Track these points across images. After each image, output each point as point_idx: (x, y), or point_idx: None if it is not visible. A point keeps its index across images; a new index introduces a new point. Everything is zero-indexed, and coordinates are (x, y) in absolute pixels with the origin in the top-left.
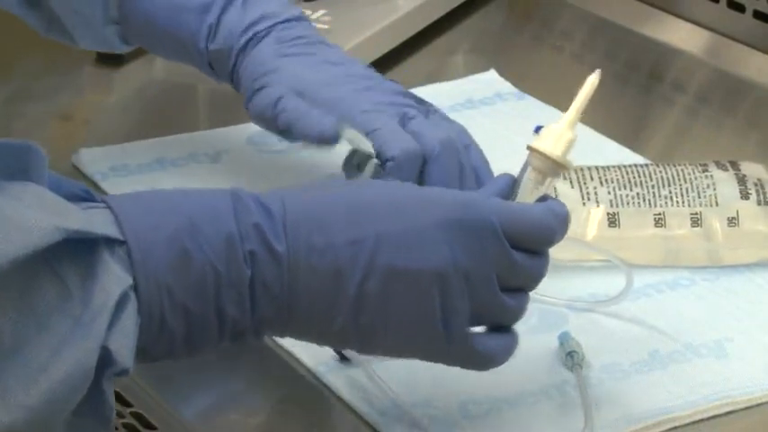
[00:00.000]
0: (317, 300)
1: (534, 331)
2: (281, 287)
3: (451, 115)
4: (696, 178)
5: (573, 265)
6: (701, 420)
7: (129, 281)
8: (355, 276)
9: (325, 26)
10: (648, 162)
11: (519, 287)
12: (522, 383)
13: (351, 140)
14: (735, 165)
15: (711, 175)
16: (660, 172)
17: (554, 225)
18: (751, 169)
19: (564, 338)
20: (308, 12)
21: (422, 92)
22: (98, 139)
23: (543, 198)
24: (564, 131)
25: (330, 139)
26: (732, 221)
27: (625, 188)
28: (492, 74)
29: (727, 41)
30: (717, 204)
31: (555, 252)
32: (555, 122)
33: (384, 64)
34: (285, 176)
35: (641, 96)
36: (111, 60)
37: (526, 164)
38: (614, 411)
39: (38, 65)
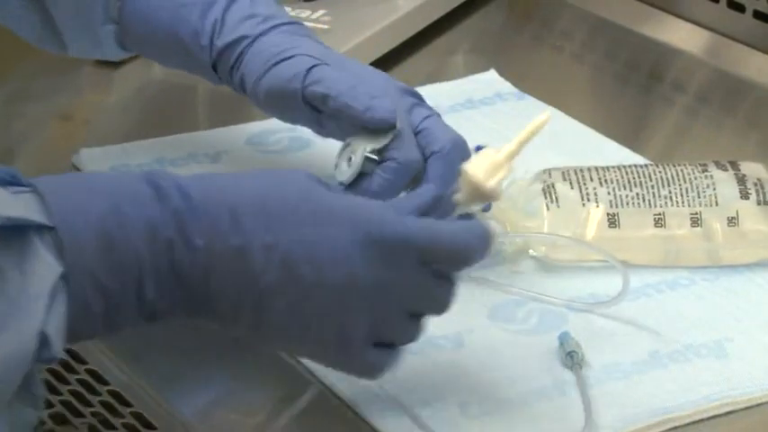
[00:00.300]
0: (227, 294)
1: (534, 331)
2: (196, 277)
3: (451, 115)
4: (696, 178)
5: (573, 266)
6: (702, 420)
7: (60, 268)
8: (264, 279)
9: (325, 26)
10: (648, 162)
11: (424, 311)
12: (523, 383)
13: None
14: (734, 165)
15: (711, 175)
16: (660, 172)
17: (473, 245)
18: (751, 169)
19: (564, 338)
20: (307, 12)
21: (422, 92)
22: (98, 139)
23: (468, 216)
24: (500, 162)
25: (389, 124)
26: (732, 221)
27: (625, 188)
28: (492, 74)
29: (727, 41)
30: (716, 204)
31: (555, 252)
32: (495, 150)
33: (384, 64)
34: None
35: (641, 96)
36: (110, 60)
37: (455, 183)
38: (614, 411)
39: (38, 65)
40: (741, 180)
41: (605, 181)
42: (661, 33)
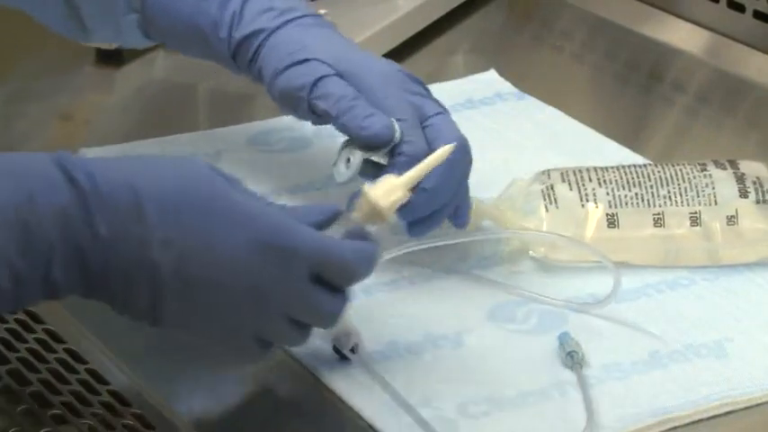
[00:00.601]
0: (125, 281)
1: (534, 332)
2: (98, 263)
3: (452, 115)
4: (695, 177)
5: (572, 266)
6: (701, 420)
7: None
8: (160, 272)
9: None
10: (648, 162)
11: (308, 321)
12: (522, 384)
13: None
14: (733, 163)
15: (710, 175)
16: (659, 172)
17: (359, 265)
18: (750, 168)
19: (564, 338)
20: None
21: None
22: (98, 139)
23: (361, 235)
24: (398, 187)
25: (382, 141)
26: (731, 220)
27: (624, 188)
28: (492, 74)
29: (727, 41)
30: (716, 203)
31: (554, 253)
32: (397, 176)
33: None
34: (287, 176)
35: (641, 96)
36: (111, 60)
37: (352, 202)
38: (614, 411)
39: (38, 65)
40: (740, 179)
41: (604, 181)
42: (661, 33)
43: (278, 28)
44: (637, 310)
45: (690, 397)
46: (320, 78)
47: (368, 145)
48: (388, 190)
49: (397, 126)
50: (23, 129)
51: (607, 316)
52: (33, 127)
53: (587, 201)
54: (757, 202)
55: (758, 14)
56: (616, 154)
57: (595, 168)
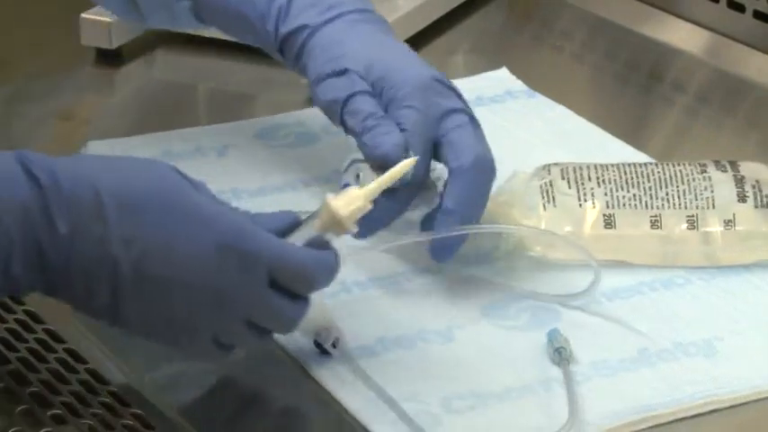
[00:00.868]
0: (85, 280)
1: (525, 328)
2: (59, 261)
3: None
4: (694, 179)
5: (569, 264)
6: (685, 418)
7: None
8: (121, 271)
9: None
10: (649, 161)
11: (266, 325)
12: (508, 379)
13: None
14: (734, 165)
15: (710, 177)
16: (659, 172)
17: (318, 273)
18: (750, 169)
19: (553, 335)
20: None
21: None
22: (98, 138)
23: (322, 244)
24: (359, 198)
25: (394, 161)
26: (729, 224)
27: (622, 189)
28: (504, 72)
29: (727, 41)
30: (713, 207)
31: (551, 252)
32: (359, 188)
33: None
34: (292, 171)
35: (641, 96)
36: (111, 60)
37: (316, 211)
38: (598, 408)
39: (38, 65)
40: (739, 182)
41: (603, 181)
42: (661, 33)
43: (322, 25)
44: (630, 307)
45: (675, 395)
46: (352, 95)
47: (377, 163)
48: (350, 201)
49: (408, 146)
50: (23, 129)
51: (599, 313)
52: (33, 127)
53: (585, 200)
54: (756, 206)
55: (758, 14)
56: (623, 153)
57: (596, 166)
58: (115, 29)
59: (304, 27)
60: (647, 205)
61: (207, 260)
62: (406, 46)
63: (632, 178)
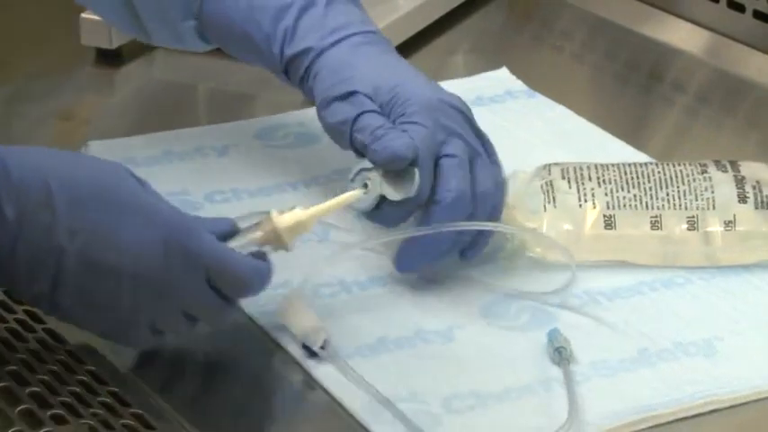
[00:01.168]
0: (29, 266)
1: (525, 328)
2: (5, 246)
3: None
4: (695, 180)
5: (566, 264)
6: (685, 418)
7: None
8: (64, 259)
9: None
10: (650, 161)
11: (199, 318)
12: (509, 379)
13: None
14: (735, 165)
15: (710, 177)
16: (659, 173)
17: (253, 281)
18: (751, 169)
19: (553, 335)
20: None
21: None
22: (98, 138)
23: (259, 254)
24: (303, 216)
25: (401, 161)
26: (729, 224)
27: (623, 189)
28: (504, 72)
29: (727, 41)
30: (714, 207)
31: (551, 253)
32: (304, 208)
33: None
34: (292, 171)
35: (641, 96)
36: (111, 60)
37: (258, 223)
38: (597, 408)
39: (38, 65)
40: (740, 182)
41: (603, 181)
42: (661, 33)
43: (328, 47)
44: (630, 307)
45: (675, 395)
46: (360, 114)
47: (388, 166)
48: (294, 219)
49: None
50: (23, 129)
51: (599, 314)
52: (33, 127)
53: (585, 201)
54: (756, 207)
55: (758, 14)
56: (624, 153)
57: (596, 166)
58: (115, 29)
59: (310, 49)
60: (647, 206)
61: (150, 251)
62: (412, 67)
63: (633, 178)
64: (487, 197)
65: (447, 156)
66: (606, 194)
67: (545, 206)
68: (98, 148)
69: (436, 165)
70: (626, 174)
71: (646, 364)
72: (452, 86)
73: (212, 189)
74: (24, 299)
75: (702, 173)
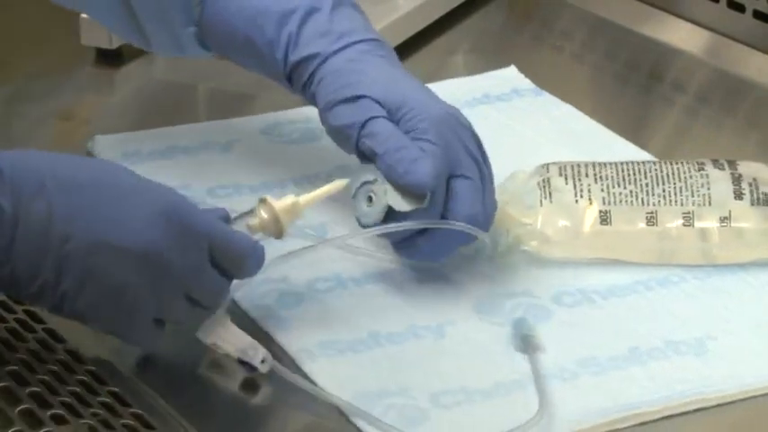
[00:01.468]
0: (29, 258)
1: None
2: (1, 241)
3: (466, 110)
4: (691, 177)
5: (563, 262)
6: (672, 416)
7: None
8: (66, 246)
9: None
10: (650, 159)
11: (199, 299)
12: (497, 374)
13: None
14: (732, 164)
15: (707, 174)
16: (656, 170)
17: (252, 258)
18: (749, 168)
19: (518, 323)
20: None
21: (438, 87)
22: None
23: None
24: (298, 206)
25: (421, 191)
26: (724, 221)
27: (619, 185)
28: (512, 70)
29: (727, 41)
30: (710, 204)
31: (546, 248)
32: (296, 196)
33: None
34: (296, 166)
35: (641, 96)
36: (111, 60)
37: (250, 210)
38: (582, 404)
39: (38, 65)
40: (736, 180)
41: (600, 177)
42: (661, 33)
43: (333, 54)
44: (625, 306)
45: (664, 393)
46: (370, 119)
47: (406, 189)
48: (290, 206)
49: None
50: (23, 129)
51: (593, 312)
52: (33, 127)
53: (581, 197)
54: (752, 203)
55: (758, 14)
56: (629, 152)
57: (594, 163)
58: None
59: (315, 55)
60: (643, 202)
61: (155, 228)
62: (417, 79)
63: (629, 175)
64: (490, 218)
65: (462, 177)
66: (602, 190)
67: (541, 201)
68: (104, 142)
69: (447, 182)
70: (623, 171)
71: (636, 362)
72: (458, 84)
73: (214, 184)
74: (27, 297)
75: (699, 170)
